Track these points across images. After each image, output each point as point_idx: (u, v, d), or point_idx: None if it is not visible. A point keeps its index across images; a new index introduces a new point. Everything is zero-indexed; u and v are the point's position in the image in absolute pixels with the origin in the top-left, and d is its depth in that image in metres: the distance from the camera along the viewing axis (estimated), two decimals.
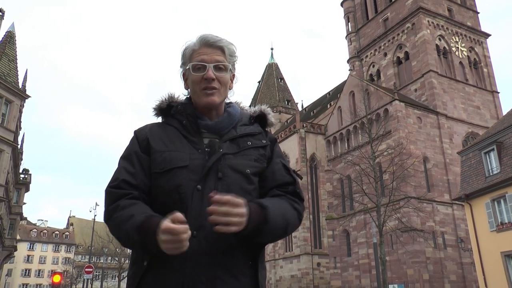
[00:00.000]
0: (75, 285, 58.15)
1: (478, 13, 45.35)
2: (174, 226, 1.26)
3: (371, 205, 27.55)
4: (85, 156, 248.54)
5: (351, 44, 48.02)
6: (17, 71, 28.39)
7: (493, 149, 21.40)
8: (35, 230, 77.01)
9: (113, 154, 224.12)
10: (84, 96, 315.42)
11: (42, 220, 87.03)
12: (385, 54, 43.17)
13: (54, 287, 26.12)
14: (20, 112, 29.10)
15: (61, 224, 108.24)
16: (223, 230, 1.30)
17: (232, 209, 1.30)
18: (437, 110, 36.45)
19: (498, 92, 41.89)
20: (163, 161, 1.51)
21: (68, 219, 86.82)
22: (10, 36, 29.10)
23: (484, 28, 64.64)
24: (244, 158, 1.56)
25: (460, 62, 40.90)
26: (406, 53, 40.83)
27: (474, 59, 42.44)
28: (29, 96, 28.40)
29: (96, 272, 50.71)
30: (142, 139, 1.59)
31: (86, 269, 29.09)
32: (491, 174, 21.21)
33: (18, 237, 48.63)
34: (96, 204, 36.98)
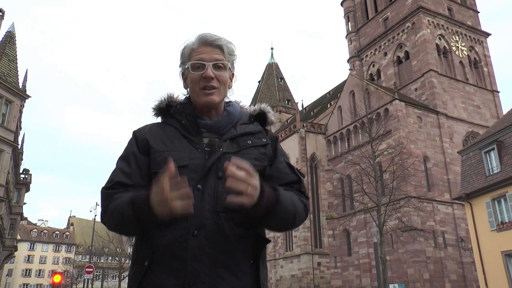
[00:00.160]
0: (76, 285, 58.09)
1: (478, 12, 45.34)
2: (165, 180, 1.25)
3: (372, 204, 27.55)
4: (85, 156, 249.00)
5: (351, 44, 48.01)
6: (17, 71, 28.37)
7: (493, 149, 21.39)
8: (35, 230, 77.05)
9: (113, 154, 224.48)
10: (84, 96, 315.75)
11: (43, 220, 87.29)
12: (385, 54, 43.16)
13: (55, 287, 26.18)
14: (20, 112, 29.08)
15: (61, 224, 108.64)
16: (235, 201, 1.28)
17: (249, 178, 1.29)
18: (437, 109, 36.44)
19: (498, 92, 41.89)
20: (163, 161, 1.49)
21: (69, 219, 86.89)
22: (10, 36, 29.09)
23: (484, 27, 64.76)
24: (244, 157, 1.53)
25: (460, 62, 40.89)
26: (406, 53, 40.82)
27: (474, 58, 42.43)
28: (29, 96, 28.40)
29: (97, 272, 50.78)
30: (141, 140, 1.58)
31: (86, 269, 29.11)
32: (491, 173, 21.20)
33: (18, 237, 48.60)
34: (97, 204, 36.96)
